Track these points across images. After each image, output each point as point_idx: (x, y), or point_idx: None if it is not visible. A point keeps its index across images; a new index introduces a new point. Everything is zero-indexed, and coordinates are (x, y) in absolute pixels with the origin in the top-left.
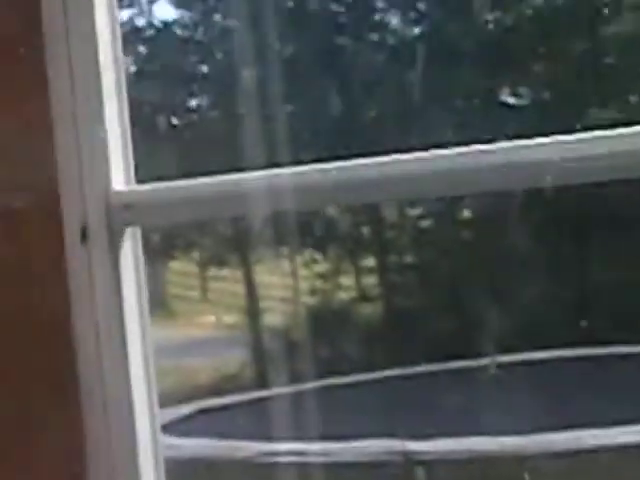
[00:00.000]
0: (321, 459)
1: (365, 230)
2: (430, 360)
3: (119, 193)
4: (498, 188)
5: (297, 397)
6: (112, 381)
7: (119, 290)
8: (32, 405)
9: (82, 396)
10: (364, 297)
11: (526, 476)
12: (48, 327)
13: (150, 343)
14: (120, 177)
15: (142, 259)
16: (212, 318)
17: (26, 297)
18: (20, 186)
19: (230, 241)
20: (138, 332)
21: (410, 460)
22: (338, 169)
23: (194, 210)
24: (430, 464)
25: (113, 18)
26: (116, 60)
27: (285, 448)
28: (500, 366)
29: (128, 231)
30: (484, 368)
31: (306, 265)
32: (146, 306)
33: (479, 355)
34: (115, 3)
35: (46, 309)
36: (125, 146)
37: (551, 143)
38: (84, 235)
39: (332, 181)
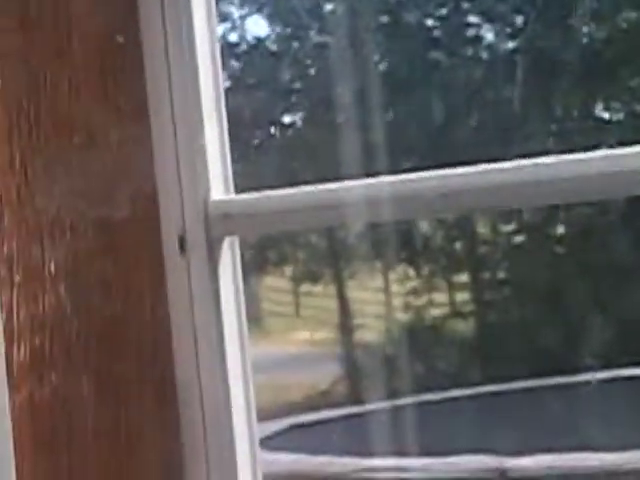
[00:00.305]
0: (416, 475)
1: (458, 246)
2: (526, 376)
3: (218, 202)
4: (600, 197)
5: (391, 413)
6: (211, 395)
7: (218, 301)
8: (130, 418)
9: (180, 409)
10: (457, 313)
11: None
12: (147, 339)
13: (248, 357)
14: (219, 186)
15: (240, 270)
16: (305, 334)
17: (125, 308)
18: (119, 197)
19: (323, 256)
20: (237, 344)
21: (506, 477)
22: (437, 177)
23: (293, 219)
24: None
25: (212, 33)
26: (215, 74)
27: (379, 464)
28: (600, 381)
29: (226, 241)
30: (582, 384)
31: (399, 281)
32: (244, 317)
33: (576, 370)
34: (215, 20)
35: (145, 320)
36: (224, 155)
37: None
38: (182, 245)
39: (431, 190)
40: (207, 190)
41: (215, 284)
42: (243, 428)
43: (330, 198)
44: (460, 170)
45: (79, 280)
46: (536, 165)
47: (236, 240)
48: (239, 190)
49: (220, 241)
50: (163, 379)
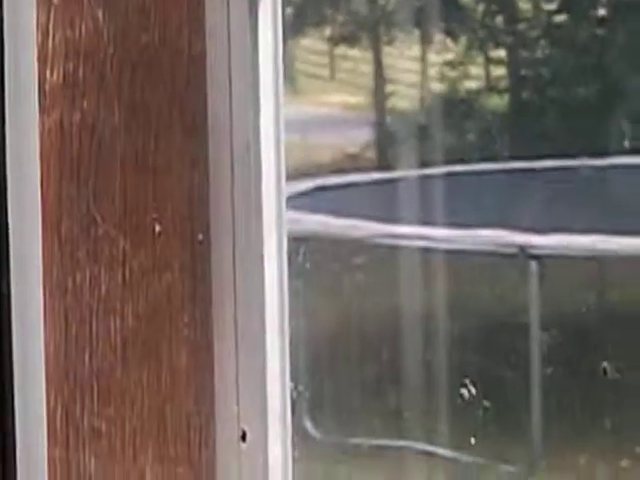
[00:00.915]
0: (439, 245)
1: (498, 20)
2: (557, 155)
3: None
4: None
5: (418, 182)
6: (241, 141)
7: (255, 41)
8: (159, 149)
9: (210, 146)
10: (492, 88)
11: None
12: (182, 72)
13: (282, 106)
14: None
15: (280, 14)
16: (339, 97)
17: (162, 38)
18: None
19: (362, 20)
20: (271, 91)
21: (526, 253)
22: None
23: None
24: (545, 259)
25: None
26: None
27: (403, 231)
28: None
29: None
30: (613, 167)
31: (436, 51)
32: (281, 63)
33: (609, 153)
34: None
35: (181, 53)
36: None
37: None
38: None
39: None
40: None
41: (254, 24)
42: (271, 184)
43: None
44: None
45: (118, 6)
46: None
47: None
48: None
49: None
50: (195, 113)
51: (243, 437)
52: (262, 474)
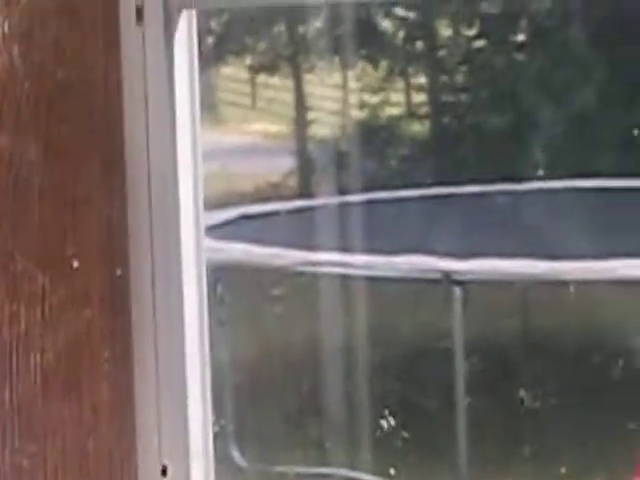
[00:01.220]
0: (361, 272)
1: (418, 46)
2: (476, 181)
3: None
4: None
5: (340, 209)
6: (159, 171)
7: (171, 71)
8: (77, 182)
9: (128, 183)
10: (413, 114)
11: (570, 300)
12: (98, 106)
13: (199, 136)
14: None
15: (196, 45)
16: (261, 126)
17: (78, 73)
18: None
19: (283, 48)
20: (188, 121)
21: (450, 279)
22: None
23: None
24: (468, 284)
25: None
26: None
27: (324, 258)
28: (549, 190)
29: (184, 13)
30: (532, 192)
31: (357, 78)
32: (197, 93)
33: (527, 178)
34: None
35: (98, 86)
36: None
37: None
38: (139, 14)
39: None
40: None
41: (170, 56)
42: (190, 214)
43: None
44: None
45: (33, 40)
46: None
47: (193, 13)
48: None
49: (177, 13)
50: (112, 145)
51: (164, 472)
52: None
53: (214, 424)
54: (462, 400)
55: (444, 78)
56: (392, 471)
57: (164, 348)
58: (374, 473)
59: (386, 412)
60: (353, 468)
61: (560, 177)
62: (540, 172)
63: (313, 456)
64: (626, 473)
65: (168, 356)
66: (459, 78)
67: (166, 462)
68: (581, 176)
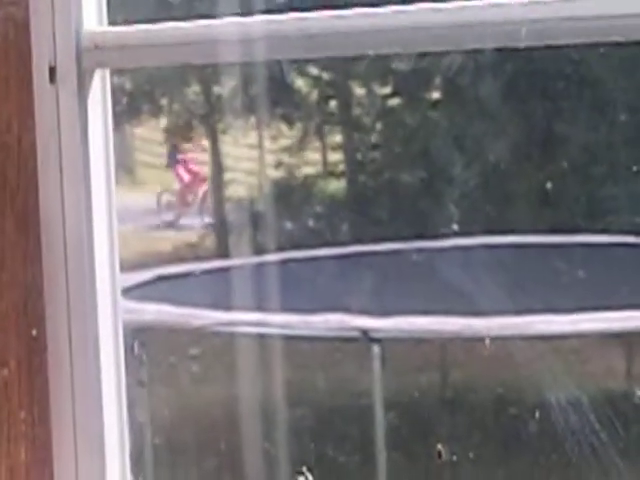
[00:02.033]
0: (278, 331)
1: (333, 105)
2: (393, 238)
3: (90, 33)
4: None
5: (257, 269)
6: (74, 233)
7: (86, 132)
8: None
9: (43, 241)
10: (329, 173)
11: (487, 355)
12: (12, 168)
13: (115, 197)
14: (92, 17)
15: (110, 105)
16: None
17: None
18: None
19: (197, 108)
20: (103, 182)
21: (369, 337)
22: (314, 19)
23: (165, 54)
24: (387, 342)
25: None
26: None
27: (241, 318)
28: (463, 247)
29: (97, 73)
30: (447, 249)
31: (272, 138)
32: (112, 154)
33: (442, 235)
34: None
35: (11, 149)
36: None
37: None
38: (52, 75)
39: (308, 31)
40: (79, 20)
41: (84, 116)
42: (106, 276)
43: (203, 34)
44: (337, 12)
45: None
46: (412, 11)
47: (107, 73)
48: (112, 22)
49: (91, 73)
50: (26, 208)
51: None
52: None
53: None
54: (381, 455)
55: (359, 136)
56: None
57: (82, 409)
58: None
59: (304, 469)
60: None
61: (474, 233)
62: (455, 228)
63: None
64: None
65: (86, 417)
66: (374, 136)
67: None
68: (495, 232)
